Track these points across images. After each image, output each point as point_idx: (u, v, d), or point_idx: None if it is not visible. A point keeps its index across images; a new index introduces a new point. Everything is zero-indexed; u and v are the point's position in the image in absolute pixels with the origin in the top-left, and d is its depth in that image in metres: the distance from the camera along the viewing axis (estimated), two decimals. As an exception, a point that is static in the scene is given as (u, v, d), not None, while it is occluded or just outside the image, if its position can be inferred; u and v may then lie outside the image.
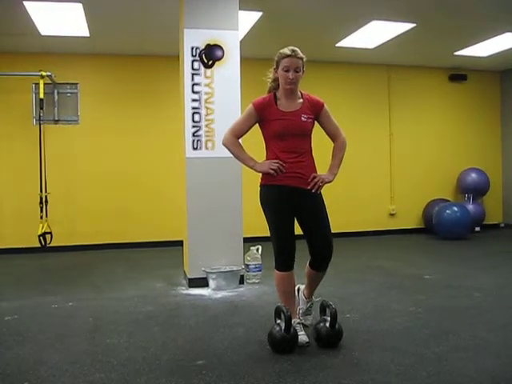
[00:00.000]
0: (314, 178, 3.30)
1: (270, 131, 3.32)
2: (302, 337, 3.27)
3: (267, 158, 3.35)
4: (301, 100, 3.36)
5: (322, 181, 3.32)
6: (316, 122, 3.41)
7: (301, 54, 3.28)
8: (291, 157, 3.28)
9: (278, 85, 3.36)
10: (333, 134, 3.48)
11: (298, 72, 3.26)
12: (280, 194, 3.30)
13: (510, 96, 9.64)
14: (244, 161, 3.40)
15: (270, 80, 3.44)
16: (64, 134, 7.75)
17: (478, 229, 8.97)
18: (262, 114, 3.32)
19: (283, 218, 3.31)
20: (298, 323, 3.36)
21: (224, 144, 3.44)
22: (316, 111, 3.37)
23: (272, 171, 3.25)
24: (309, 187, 3.29)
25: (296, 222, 3.38)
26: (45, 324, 3.91)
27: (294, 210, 3.33)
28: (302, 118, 3.30)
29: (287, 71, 3.25)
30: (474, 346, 3.22)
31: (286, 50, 3.26)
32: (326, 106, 3.42)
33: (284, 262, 3.33)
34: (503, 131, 9.82)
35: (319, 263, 3.41)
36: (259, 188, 3.40)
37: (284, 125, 3.27)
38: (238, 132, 3.40)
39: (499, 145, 9.84)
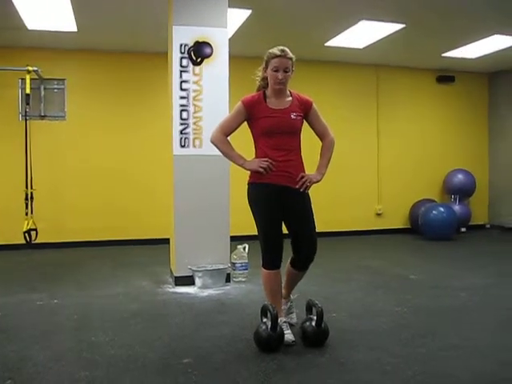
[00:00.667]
0: (303, 177, 3.30)
1: (259, 128, 3.31)
2: (288, 335, 3.27)
3: (256, 156, 3.35)
4: (290, 98, 3.36)
5: (310, 180, 3.32)
6: (305, 121, 3.41)
7: (290, 54, 3.28)
8: (280, 154, 3.27)
9: (267, 83, 3.36)
10: (321, 133, 3.48)
11: (287, 72, 3.26)
12: (268, 192, 3.29)
13: (498, 98, 9.71)
14: (233, 158, 3.38)
15: (258, 79, 3.44)
16: (50, 129, 7.68)
17: (463, 229, 9.02)
18: (251, 112, 3.31)
19: (271, 217, 3.31)
20: (285, 322, 3.37)
21: (212, 142, 3.42)
22: (305, 110, 3.38)
23: (262, 169, 3.24)
24: (297, 186, 3.29)
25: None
26: (29, 321, 3.87)
27: (282, 209, 3.33)
28: (292, 116, 3.30)
29: (276, 71, 3.24)
30: (460, 345, 3.23)
31: (276, 51, 3.26)
32: (314, 104, 3.43)
33: (271, 260, 3.33)
34: (490, 133, 9.88)
35: (303, 263, 3.42)
36: (247, 186, 3.39)
37: (273, 122, 3.27)
38: (227, 129, 3.38)
39: (486, 146, 9.91)
